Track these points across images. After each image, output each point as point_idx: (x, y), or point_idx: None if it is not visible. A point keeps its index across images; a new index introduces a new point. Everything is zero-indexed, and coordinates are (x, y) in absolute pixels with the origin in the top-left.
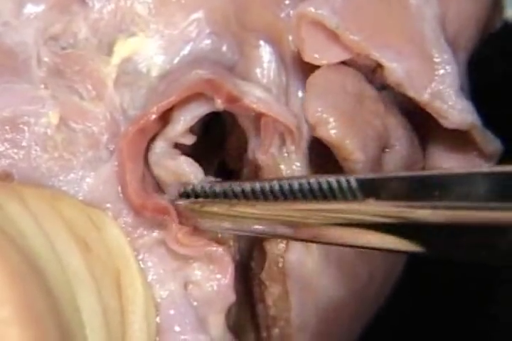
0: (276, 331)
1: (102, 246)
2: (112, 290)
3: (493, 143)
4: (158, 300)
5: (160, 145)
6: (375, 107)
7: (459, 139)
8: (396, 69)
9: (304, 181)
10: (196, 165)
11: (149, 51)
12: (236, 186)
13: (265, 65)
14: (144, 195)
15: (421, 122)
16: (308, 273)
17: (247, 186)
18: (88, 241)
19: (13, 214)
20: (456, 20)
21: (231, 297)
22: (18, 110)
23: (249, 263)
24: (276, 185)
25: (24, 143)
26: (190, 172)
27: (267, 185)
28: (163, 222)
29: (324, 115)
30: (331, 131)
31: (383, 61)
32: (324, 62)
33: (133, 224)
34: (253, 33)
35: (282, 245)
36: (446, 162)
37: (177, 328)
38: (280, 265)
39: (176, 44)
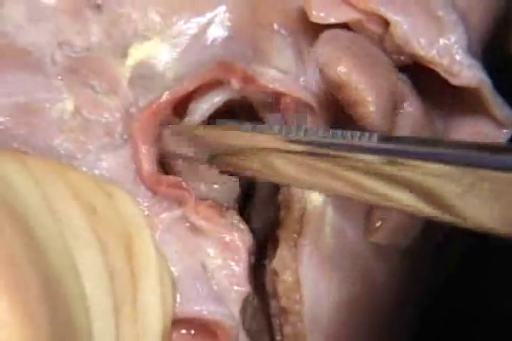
0: (288, 329)
1: (111, 211)
2: (119, 252)
3: (504, 108)
4: (176, 273)
5: None
6: (388, 68)
7: (471, 106)
8: (402, 24)
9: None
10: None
11: (164, 55)
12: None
13: (282, 56)
14: (157, 174)
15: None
16: (321, 260)
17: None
18: (96, 205)
19: (3, 167)
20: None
21: (245, 287)
22: (33, 96)
23: (263, 262)
24: None
25: (40, 125)
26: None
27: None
28: (180, 198)
29: (337, 54)
30: (341, 70)
31: (389, 16)
32: (331, 20)
33: (149, 203)
34: (268, 28)
35: (296, 230)
36: (459, 130)
37: (194, 299)
38: (292, 250)
39: (191, 47)
